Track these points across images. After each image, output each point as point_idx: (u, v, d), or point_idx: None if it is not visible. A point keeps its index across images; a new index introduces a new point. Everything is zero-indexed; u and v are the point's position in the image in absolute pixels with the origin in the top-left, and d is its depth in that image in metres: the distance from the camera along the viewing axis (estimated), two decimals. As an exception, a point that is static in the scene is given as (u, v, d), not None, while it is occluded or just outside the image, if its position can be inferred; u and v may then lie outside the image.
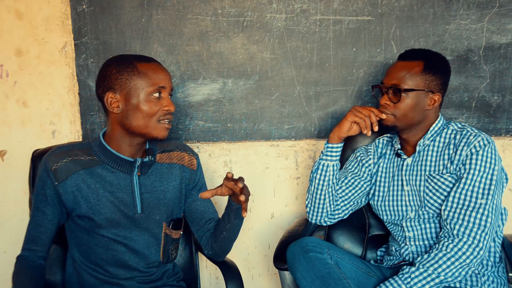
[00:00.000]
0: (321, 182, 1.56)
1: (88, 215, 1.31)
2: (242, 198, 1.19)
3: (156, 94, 1.29)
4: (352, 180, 1.60)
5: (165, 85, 1.30)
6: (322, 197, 1.56)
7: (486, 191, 1.34)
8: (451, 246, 1.32)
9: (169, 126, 1.33)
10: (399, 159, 1.55)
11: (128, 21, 1.79)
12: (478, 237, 1.31)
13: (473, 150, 1.37)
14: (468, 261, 1.30)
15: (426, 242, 1.46)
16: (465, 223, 1.33)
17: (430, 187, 1.44)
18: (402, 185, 1.52)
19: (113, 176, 1.33)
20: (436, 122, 1.48)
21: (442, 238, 1.36)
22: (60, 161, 1.30)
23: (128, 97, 1.28)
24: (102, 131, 1.38)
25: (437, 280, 1.30)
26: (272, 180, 1.91)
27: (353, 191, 1.59)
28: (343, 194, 1.59)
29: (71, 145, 1.37)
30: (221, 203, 1.92)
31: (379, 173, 1.59)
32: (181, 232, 1.47)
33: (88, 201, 1.31)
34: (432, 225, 1.45)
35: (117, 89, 1.28)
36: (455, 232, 1.33)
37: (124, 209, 1.34)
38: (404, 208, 1.51)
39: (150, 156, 1.37)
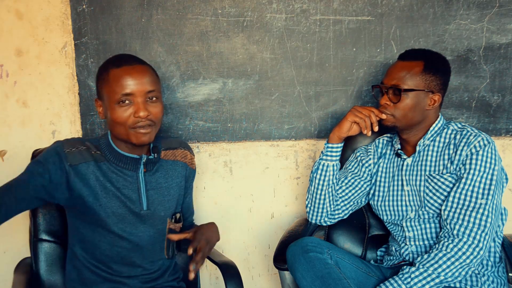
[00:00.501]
0: (321, 182, 1.56)
1: (94, 207, 1.31)
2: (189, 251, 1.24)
3: (124, 102, 1.26)
4: (352, 180, 1.60)
5: (133, 91, 1.25)
6: (322, 197, 1.56)
7: (486, 191, 1.34)
8: (451, 246, 1.32)
9: (145, 131, 1.28)
10: (399, 159, 1.55)
11: (128, 21, 1.78)
12: (478, 237, 1.31)
13: (473, 150, 1.37)
14: (468, 261, 1.30)
15: (426, 242, 1.46)
16: (465, 223, 1.33)
17: (430, 187, 1.44)
18: (402, 185, 1.52)
19: (120, 173, 1.34)
20: (436, 122, 1.48)
21: (442, 238, 1.36)
22: (75, 147, 1.31)
23: (105, 105, 1.30)
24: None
25: (437, 280, 1.30)
26: (272, 180, 1.91)
27: (353, 191, 1.59)
28: (343, 194, 1.59)
29: (84, 139, 1.38)
30: (220, 203, 1.92)
31: (379, 173, 1.59)
32: (181, 226, 1.49)
33: (95, 192, 1.31)
34: (432, 225, 1.45)
35: (100, 97, 1.32)
36: (455, 232, 1.33)
37: (131, 206, 1.34)
38: (404, 208, 1.51)
39: (155, 154, 1.39)
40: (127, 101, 1.26)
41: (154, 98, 1.30)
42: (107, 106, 1.29)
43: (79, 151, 1.31)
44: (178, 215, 1.46)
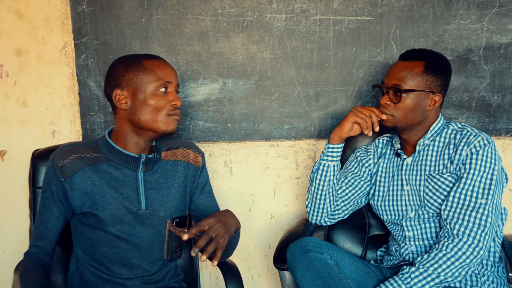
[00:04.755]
0: (321, 183, 1.56)
1: (92, 211, 1.32)
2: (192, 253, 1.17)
3: (163, 89, 1.31)
4: (352, 180, 1.60)
5: (171, 80, 1.33)
6: (323, 197, 1.56)
7: (486, 191, 1.34)
8: (451, 246, 1.32)
9: (178, 118, 1.35)
10: (399, 159, 1.55)
11: (128, 21, 1.79)
12: (478, 237, 1.31)
13: (473, 150, 1.37)
14: (468, 261, 1.30)
15: (426, 242, 1.46)
16: (465, 223, 1.33)
17: (430, 187, 1.44)
18: (402, 184, 1.52)
19: (118, 172, 1.34)
20: (436, 122, 1.47)
21: (442, 238, 1.36)
22: (67, 158, 1.32)
23: (135, 92, 1.30)
24: (108, 129, 1.41)
25: (437, 280, 1.30)
26: (272, 180, 1.91)
27: (353, 191, 1.59)
28: (343, 194, 1.59)
29: (78, 143, 1.39)
30: (221, 203, 1.92)
31: (379, 173, 1.59)
32: (186, 231, 1.47)
33: (93, 197, 1.32)
34: (432, 224, 1.45)
35: (124, 86, 1.31)
36: (455, 232, 1.33)
37: (129, 205, 1.34)
38: (404, 207, 1.51)
39: (155, 153, 1.39)
40: (164, 89, 1.32)
41: (178, 93, 1.38)
42: (140, 93, 1.30)
43: (71, 161, 1.32)
44: (181, 220, 1.44)
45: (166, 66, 1.34)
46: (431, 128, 1.47)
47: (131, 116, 1.32)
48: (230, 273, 1.44)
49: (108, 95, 1.34)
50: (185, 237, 1.18)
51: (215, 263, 1.19)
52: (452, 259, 1.30)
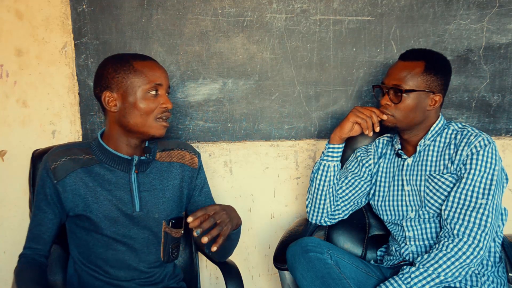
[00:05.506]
0: (321, 183, 1.56)
1: (86, 213, 1.31)
2: (204, 240, 1.14)
3: (153, 92, 1.30)
4: (352, 180, 1.60)
5: (162, 82, 1.31)
6: (323, 197, 1.56)
7: (486, 191, 1.34)
8: (451, 246, 1.32)
9: (166, 125, 1.34)
10: (400, 159, 1.55)
11: (128, 21, 1.79)
12: (478, 237, 1.31)
13: (474, 150, 1.37)
14: (468, 261, 1.30)
15: (426, 242, 1.46)
16: (465, 223, 1.33)
17: (431, 187, 1.44)
18: (403, 185, 1.52)
19: (111, 174, 1.34)
20: (437, 122, 1.47)
21: (442, 238, 1.36)
22: (59, 160, 1.31)
23: (125, 95, 1.29)
24: (100, 130, 1.40)
25: (437, 280, 1.30)
26: (272, 180, 1.91)
27: (353, 191, 1.59)
28: (343, 194, 1.59)
29: (71, 144, 1.38)
30: (220, 203, 1.92)
31: (379, 173, 1.59)
32: (182, 231, 1.47)
33: (86, 199, 1.31)
34: (432, 225, 1.45)
35: (114, 88, 1.30)
36: (455, 232, 1.33)
37: (122, 207, 1.34)
38: (404, 208, 1.51)
39: (148, 155, 1.38)
40: (154, 91, 1.30)
41: (169, 94, 1.37)
42: (130, 96, 1.29)
43: (63, 163, 1.31)
44: (177, 221, 1.43)
45: (156, 68, 1.32)
46: (432, 128, 1.47)
47: (120, 118, 1.31)
48: (230, 273, 1.44)
49: (98, 96, 1.33)
50: (190, 219, 1.15)
51: (214, 248, 1.17)
52: (452, 259, 1.30)
